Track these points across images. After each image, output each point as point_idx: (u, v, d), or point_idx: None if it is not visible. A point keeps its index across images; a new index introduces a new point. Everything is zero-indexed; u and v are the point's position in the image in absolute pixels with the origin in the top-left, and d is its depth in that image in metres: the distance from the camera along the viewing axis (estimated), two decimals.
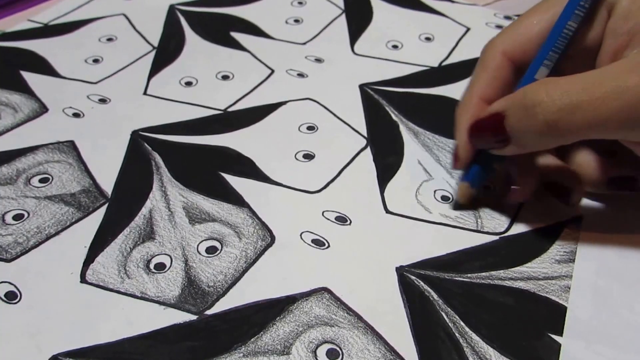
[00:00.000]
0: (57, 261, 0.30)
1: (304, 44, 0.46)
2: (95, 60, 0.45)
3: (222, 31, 0.48)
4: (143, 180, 0.34)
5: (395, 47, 0.46)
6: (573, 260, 0.30)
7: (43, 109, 0.40)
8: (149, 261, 0.30)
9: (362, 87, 0.42)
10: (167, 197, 0.33)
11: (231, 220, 0.32)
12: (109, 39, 0.47)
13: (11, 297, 0.28)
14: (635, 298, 0.28)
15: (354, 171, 0.35)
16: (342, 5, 0.51)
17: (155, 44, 0.46)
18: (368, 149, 0.37)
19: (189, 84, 0.42)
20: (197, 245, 0.31)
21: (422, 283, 0.29)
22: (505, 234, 0.32)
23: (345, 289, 0.29)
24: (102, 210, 0.33)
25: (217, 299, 0.28)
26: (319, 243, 0.31)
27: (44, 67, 0.44)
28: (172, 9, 0.50)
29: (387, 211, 0.33)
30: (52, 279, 0.29)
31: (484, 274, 0.30)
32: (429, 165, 0.36)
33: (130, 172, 0.35)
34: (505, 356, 0.26)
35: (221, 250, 0.31)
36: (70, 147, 0.37)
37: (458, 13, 0.50)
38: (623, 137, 0.27)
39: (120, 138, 0.37)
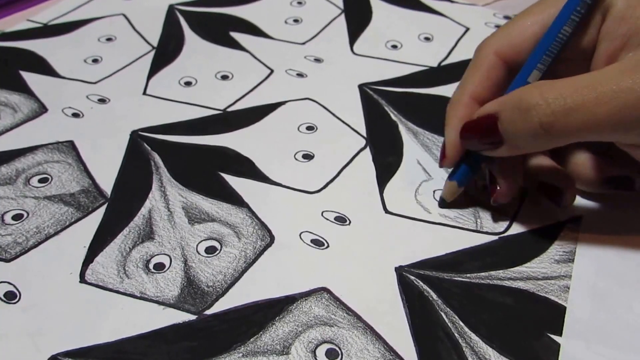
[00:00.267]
0: (56, 261, 0.30)
1: (303, 43, 0.46)
2: (95, 60, 0.45)
3: (221, 31, 0.48)
4: (142, 180, 0.34)
5: (394, 47, 0.46)
6: (572, 260, 0.30)
7: (42, 109, 0.40)
8: (148, 261, 0.30)
9: (362, 87, 0.42)
10: (167, 197, 0.33)
11: (230, 220, 0.32)
12: (109, 39, 0.47)
13: (10, 297, 0.28)
14: (635, 298, 0.28)
15: (354, 171, 0.35)
16: (341, 5, 0.51)
17: (155, 44, 0.46)
18: (367, 149, 0.37)
19: (188, 84, 0.42)
20: (197, 245, 0.31)
21: (421, 283, 0.29)
22: (505, 234, 0.32)
23: (345, 289, 0.29)
24: (101, 210, 0.33)
25: (217, 299, 0.28)
26: (318, 243, 0.31)
27: (43, 67, 0.44)
28: (171, 9, 0.50)
29: (387, 211, 0.33)
30: (51, 279, 0.29)
31: (483, 274, 0.30)
32: (428, 165, 0.36)
33: (130, 172, 0.35)
34: (504, 356, 0.26)
35: (220, 250, 0.31)
36: (70, 147, 0.37)
37: (457, 13, 0.50)
38: (617, 140, 0.27)
39: (119, 138, 0.37)
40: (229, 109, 0.40)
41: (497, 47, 0.31)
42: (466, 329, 0.27)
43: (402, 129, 0.38)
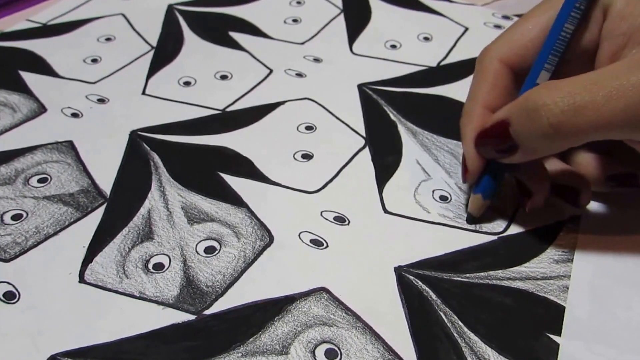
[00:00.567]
0: (55, 261, 0.30)
1: (303, 43, 0.46)
2: (94, 60, 0.45)
3: (220, 31, 0.48)
4: (141, 180, 0.34)
5: (393, 46, 0.46)
6: (571, 260, 0.30)
7: (42, 109, 0.40)
8: (147, 261, 0.30)
9: (361, 87, 0.42)
10: (166, 197, 0.33)
11: (230, 220, 0.32)
12: (108, 39, 0.47)
13: (10, 297, 0.28)
14: (634, 297, 0.28)
15: (353, 171, 0.35)
16: (340, 5, 0.51)
17: (154, 43, 0.46)
18: (366, 149, 0.37)
19: (187, 83, 0.42)
20: (196, 245, 0.31)
21: (420, 283, 0.29)
22: (504, 234, 0.32)
23: (344, 289, 0.29)
24: (100, 210, 0.33)
25: (216, 299, 0.28)
26: (317, 243, 0.31)
27: (42, 67, 0.44)
28: (170, 9, 0.50)
29: (386, 211, 0.33)
30: (50, 279, 0.29)
31: (482, 274, 0.30)
32: (427, 165, 0.36)
33: (129, 172, 0.35)
34: (503, 356, 0.26)
35: (220, 250, 0.31)
36: (69, 147, 0.37)
37: (456, 13, 0.50)
38: (628, 137, 0.27)
39: (118, 138, 0.37)
40: (228, 109, 0.40)
41: (501, 54, 0.31)
42: (465, 329, 0.27)
43: (401, 129, 0.38)
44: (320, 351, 0.26)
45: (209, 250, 0.31)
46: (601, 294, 0.29)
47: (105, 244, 0.31)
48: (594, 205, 0.33)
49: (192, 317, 0.28)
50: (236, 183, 0.34)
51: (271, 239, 0.31)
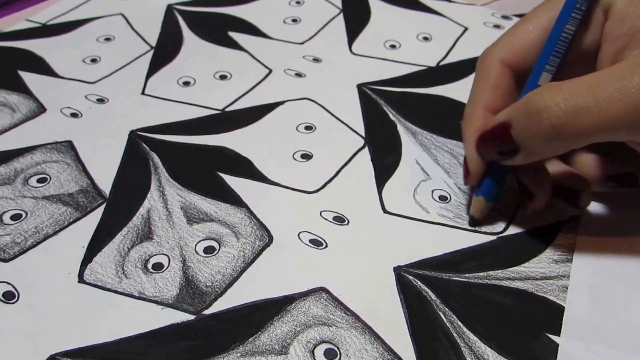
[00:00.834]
0: (55, 261, 0.30)
1: (302, 43, 0.46)
2: (93, 60, 0.45)
3: (220, 31, 0.48)
4: (141, 180, 0.34)
5: (393, 46, 0.46)
6: (570, 260, 0.30)
7: (41, 109, 0.40)
8: (146, 261, 0.30)
9: (360, 87, 0.42)
10: (165, 197, 0.33)
11: (229, 220, 0.32)
12: (107, 39, 0.47)
13: (9, 297, 0.28)
14: (633, 297, 0.28)
15: (352, 171, 0.35)
16: (339, 4, 0.51)
17: (153, 43, 0.46)
18: (366, 149, 0.37)
19: (186, 83, 0.42)
20: (195, 245, 0.31)
21: (419, 283, 0.29)
22: (503, 234, 0.32)
23: (343, 289, 0.29)
24: (100, 210, 0.33)
25: (215, 299, 0.28)
26: (316, 243, 0.31)
27: (41, 66, 0.44)
28: (170, 9, 0.50)
29: (385, 211, 0.33)
30: (50, 279, 0.29)
31: (481, 274, 0.30)
32: (426, 165, 0.36)
33: (128, 172, 0.35)
34: (502, 356, 0.26)
35: (219, 250, 0.31)
36: (68, 147, 0.37)
37: (456, 13, 0.50)
38: (631, 138, 0.27)
39: (118, 138, 0.37)
40: (228, 109, 0.40)
41: (502, 56, 0.31)
42: (464, 329, 0.27)
43: (400, 129, 0.38)
44: (319, 351, 0.26)
45: (209, 250, 0.31)
46: (600, 294, 0.29)
47: (104, 244, 0.31)
48: (593, 206, 0.33)
49: (192, 317, 0.28)
50: (235, 183, 0.34)
51: (270, 239, 0.31)
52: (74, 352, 0.26)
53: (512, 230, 0.32)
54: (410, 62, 0.44)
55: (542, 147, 0.27)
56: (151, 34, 0.47)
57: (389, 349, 0.26)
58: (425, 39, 0.47)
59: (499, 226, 0.32)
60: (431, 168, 0.35)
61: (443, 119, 0.39)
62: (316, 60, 0.45)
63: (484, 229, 0.32)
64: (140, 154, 0.36)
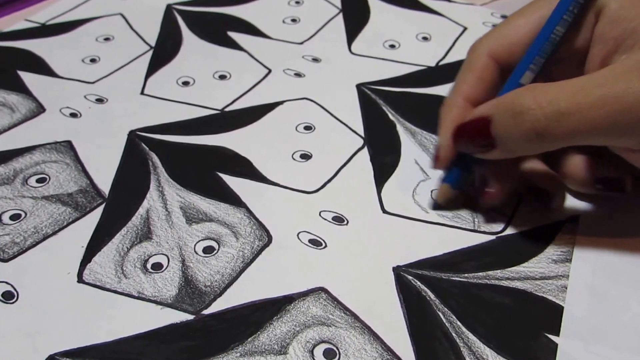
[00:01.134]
0: (54, 261, 0.30)
1: (301, 43, 0.46)
2: (93, 60, 0.45)
3: (219, 31, 0.48)
4: (140, 180, 0.34)
5: (392, 46, 0.46)
6: (570, 260, 0.30)
7: (40, 109, 0.40)
8: (146, 261, 0.30)
9: (359, 87, 0.42)
10: (164, 197, 0.33)
11: (228, 220, 0.32)
12: (106, 39, 0.47)
13: (8, 297, 0.28)
14: (632, 297, 0.28)
15: (351, 171, 0.35)
16: (339, 4, 0.51)
17: (153, 43, 0.46)
18: (365, 149, 0.37)
19: (186, 83, 0.42)
20: (194, 245, 0.31)
21: (419, 283, 0.29)
22: (502, 234, 0.32)
23: (343, 289, 0.29)
24: (99, 210, 0.33)
25: (214, 299, 0.28)
26: (316, 243, 0.31)
27: (41, 66, 0.44)
28: (169, 9, 0.50)
29: (384, 211, 0.33)
30: (49, 279, 0.29)
31: (480, 273, 0.30)
32: (426, 165, 0.36)
33: (128, 172, 0.35)
34: (502, 356, 0.26)
35: (218, 250, 0.31)
36: (68, 147, 0.37)
37: (455, 12, 0.50)
38: (611, 144, 0.27)
39: (117, 138, 0.37)
40: (227, 109, 0.40)
41: (490, 48, 0.31)
42: (464, 329, 0.27)
43: (399, 129, 0.38)
44: (318, 351, 0.26)
45: (208, 250, 0.31)
46: (600, 294, 0.29)
47: (103, 244, 0.31)
48: (592, 206, 0.33)
49: (191, 317, 0.28)
50: (235, 183, 0.34)
51: (270, 238, 0.31)
52: (73, 352, 0.26)
53: (512, 230, 0.32)
54: (409, 62, 0.44)
55: (520, 147, 0.28)
56: (150, 33, 0.47)
57: (388, 349, 0.26)
58: (425, 38, 0.47)
59: (498, 226, 0.32)
60: (430, 168, 0.35)
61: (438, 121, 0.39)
62: (315, 60, 0.45)
63: (483, 228, 0.32)
64: (139, 153, 0.36)
